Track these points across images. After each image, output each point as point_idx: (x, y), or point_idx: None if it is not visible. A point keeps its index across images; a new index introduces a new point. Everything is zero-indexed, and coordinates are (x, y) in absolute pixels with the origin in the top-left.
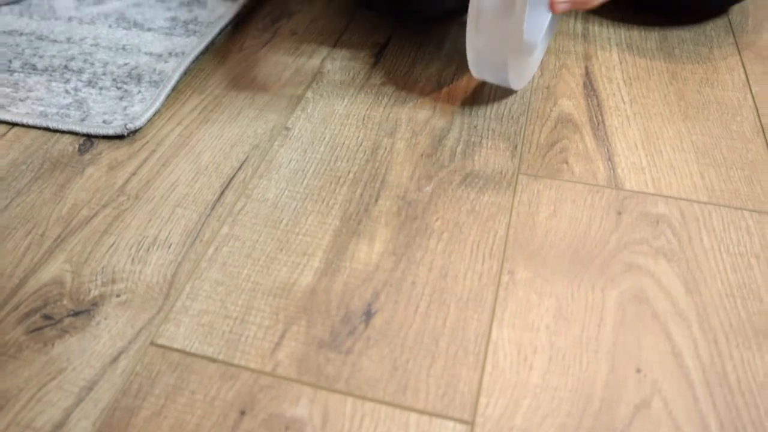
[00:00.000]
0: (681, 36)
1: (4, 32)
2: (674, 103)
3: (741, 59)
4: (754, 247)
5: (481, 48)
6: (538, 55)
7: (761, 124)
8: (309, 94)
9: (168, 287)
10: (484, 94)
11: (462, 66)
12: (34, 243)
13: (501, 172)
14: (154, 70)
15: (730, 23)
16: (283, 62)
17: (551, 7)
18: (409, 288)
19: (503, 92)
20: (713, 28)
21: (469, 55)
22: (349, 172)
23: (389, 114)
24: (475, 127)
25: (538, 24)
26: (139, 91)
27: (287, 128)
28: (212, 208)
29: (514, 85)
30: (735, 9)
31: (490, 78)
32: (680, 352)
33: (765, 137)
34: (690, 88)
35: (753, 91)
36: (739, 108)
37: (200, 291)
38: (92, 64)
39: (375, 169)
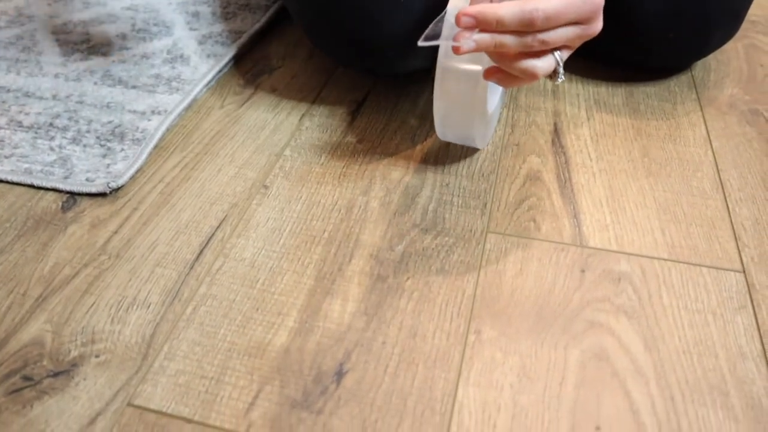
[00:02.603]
0: (646, 92)
1: None
2: (638, 160)
3: (703, 115)
4: (711, 304)
5: (446, 114)
6: (495, 113)
7: (720, 180)
8: (287, 152)
9: (146, 347)
10: (456, 152)
11: None
12: (16, 302)
13: (471, 231)
14: (137, 128)
15: (693, 79)
16: (263, 119)
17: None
18: (380, 348)
19: (474, 149)
20: (677, 83)
21: (435, 119)
22: (324, 231)
23: (364, 172)
24: (447, 185)
25: (495, 89)
26: (122, 149)
27: (266, 186)
28: (191, 268)
29: (479, 145)
30: (698, 65)
31: (455, 140)
32: (638, 410)
33: (723, 193)
34: (654, 145)
35: (713, 147)
36: (699, 164)
37: (178, 351)
38: (77, 121)
39: (349, 228)
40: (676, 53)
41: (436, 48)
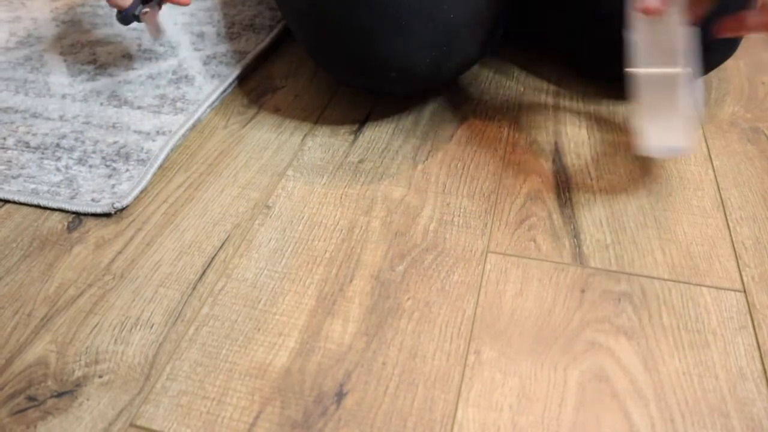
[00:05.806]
0: None
1: (0, 109)
2: (639, 179)
3: (703, 133)
4: (711, 324)
5: (649, 123)
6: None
7: (721, 199)
8: (290, 172)
9: (149, 368)
10: (458, 171)
11: (437, 142)
12: (21, 322)
13: (471, 251)
14: (142, 148)
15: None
16: (266, 139)
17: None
18: (380, 368)
19: (476, 168)
20: None
21: (640, 132)
22: (325, 252)
23: (366, 192)
24: (448, 204)
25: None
26: (127, 170)
27: (268, 206)
28: (194, 288)
29: (686, 149)
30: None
31: (661, 151)
32: (637, 431)
33: (724, 212)
34: (654, 163)
35: (714, 165)
36: (700, 183)
37: (180, 371)
38: (83, 142)
39: (350, 248)
40: None
41: (434, 69)
